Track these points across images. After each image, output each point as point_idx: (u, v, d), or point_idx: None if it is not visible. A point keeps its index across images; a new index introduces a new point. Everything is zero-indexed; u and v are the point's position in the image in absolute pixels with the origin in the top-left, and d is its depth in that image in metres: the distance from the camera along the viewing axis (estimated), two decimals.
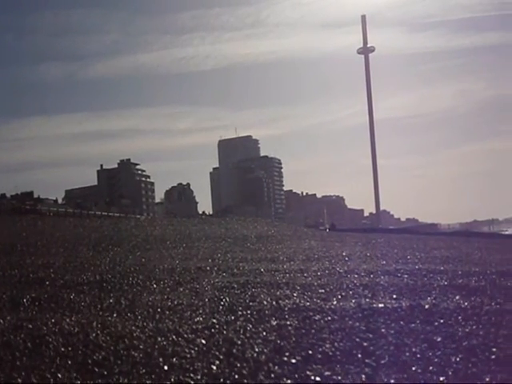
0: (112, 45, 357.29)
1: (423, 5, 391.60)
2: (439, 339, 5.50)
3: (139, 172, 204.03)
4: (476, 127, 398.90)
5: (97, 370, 4.65)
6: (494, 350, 5.18)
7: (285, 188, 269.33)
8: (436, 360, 4.90)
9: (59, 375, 4.51)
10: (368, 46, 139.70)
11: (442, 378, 4.46)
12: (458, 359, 4.92)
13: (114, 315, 6.52)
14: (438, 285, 8.56)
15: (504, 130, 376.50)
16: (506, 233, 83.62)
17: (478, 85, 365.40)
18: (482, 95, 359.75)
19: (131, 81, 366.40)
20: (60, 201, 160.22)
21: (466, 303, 7.16)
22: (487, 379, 4.44)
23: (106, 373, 4.58)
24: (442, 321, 6.20)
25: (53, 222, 31.35)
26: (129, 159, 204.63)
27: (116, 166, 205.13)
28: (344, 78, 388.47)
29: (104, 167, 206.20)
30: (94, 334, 5.61)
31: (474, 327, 5.98)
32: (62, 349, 5.17)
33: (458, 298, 7.51)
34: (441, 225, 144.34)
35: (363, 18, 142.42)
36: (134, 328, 5.87)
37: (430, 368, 4.69)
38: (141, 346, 5.22)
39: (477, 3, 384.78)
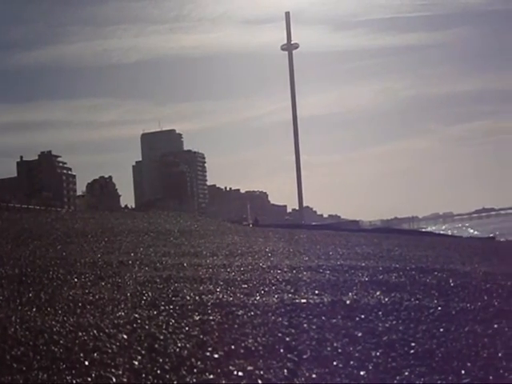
0: (33, 35, 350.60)
1: (347, 4, 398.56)
2: (360, 334, 5.58)
3: (60, 164, 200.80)
4: (398, 125, 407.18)
5: (15, 365, 4.56)
6: (413, 344, 5.30)
7: (208, 183, 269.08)
8: (357, 355, 4.98)
9: None
10: (292, 42, 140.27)
11: (362, 373, 4.53)
12: (378, 354, 5.01)
13: (34, 309, 6.40)
14: (360, 281, 8.68)
15: (424, 128, 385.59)
16: (425, 230, 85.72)
17: (399, 84, 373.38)
18: (403, 94, 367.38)
19: (53, 72, 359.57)
20: None
21: (386, 299, 7.28)
22: (406, 373, 4.54)
23: (24, 368, 4.49)
24: (362, 316, 6.30)
25: None
26: (50, 151, 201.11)
27: (36, 158, 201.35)
28: (268, 75, 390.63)
29: (24, 159, 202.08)
30: (12, 329, 5.50)
31: (394, 322, 6.09)
32: None
33: (378, 293, 7.63)
34: (362, 221, 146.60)
35: (287, 14, 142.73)
36: (53, 323, 5.77)
37: (351, 363, 4.76)
38: (61, 341, 5.14)
39: (399, 4, 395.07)
